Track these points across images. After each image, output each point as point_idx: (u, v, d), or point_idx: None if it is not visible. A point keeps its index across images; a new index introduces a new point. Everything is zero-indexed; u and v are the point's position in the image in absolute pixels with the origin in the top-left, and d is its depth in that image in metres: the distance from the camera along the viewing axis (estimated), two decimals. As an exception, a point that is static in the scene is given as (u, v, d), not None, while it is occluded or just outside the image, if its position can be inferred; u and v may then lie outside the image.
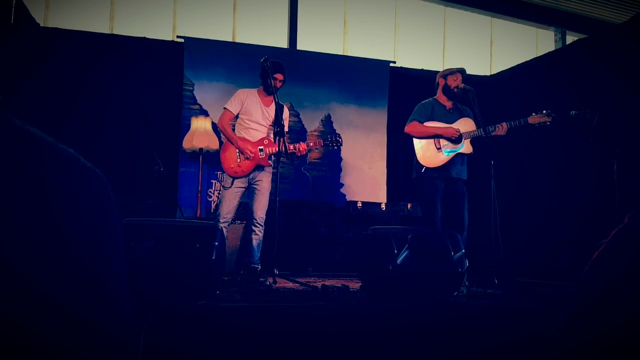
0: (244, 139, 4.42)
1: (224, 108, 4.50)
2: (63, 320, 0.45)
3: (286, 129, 4.60)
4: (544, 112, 4.28)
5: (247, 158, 4.38)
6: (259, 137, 4.47)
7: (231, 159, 4.39)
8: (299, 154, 4.46)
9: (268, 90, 4.45)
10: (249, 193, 4.51)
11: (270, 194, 4.53)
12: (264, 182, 4.47)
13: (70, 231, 0.47)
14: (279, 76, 4.42)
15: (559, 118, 4.33)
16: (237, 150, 4.39)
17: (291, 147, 4.43)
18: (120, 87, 6.53)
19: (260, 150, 4.43)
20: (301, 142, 4.53)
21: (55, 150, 0.48)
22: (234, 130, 4.57)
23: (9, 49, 5.38)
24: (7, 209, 0.42)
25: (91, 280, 0.49)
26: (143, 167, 6.08)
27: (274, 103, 4.51)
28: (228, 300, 2.92)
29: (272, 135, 4.50)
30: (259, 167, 4.45)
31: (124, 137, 6.51)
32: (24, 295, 0.43)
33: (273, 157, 4.55)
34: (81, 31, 6.60)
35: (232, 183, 4.37)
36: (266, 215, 4.55)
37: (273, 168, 4.50)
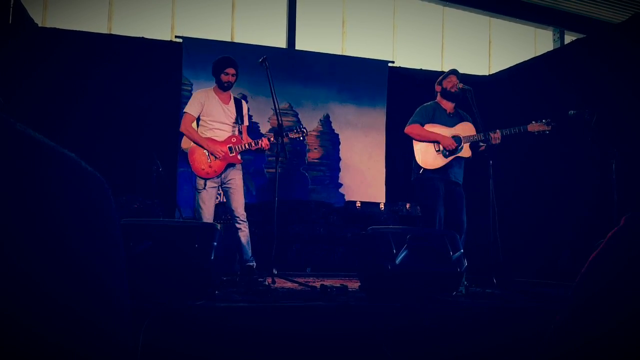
0: (212, 140, 4.34)
1: (184, 112, 4.40)
2: (62, 321, 0.45)
3: (246, 123, 4.58)
4: (544, 121, 4.28)
5: (217, 158, 4.31)
6: (225, 137, 4.40)
7: (201, 160, 4.30)
8: (265, 148, 4.40)
9: (222, 87, 4.42)
10: (224, 194, 4.45)
11: (270, 194, 4.54)
12: (237, 180, 4.40)
13: (70, 235, 0.47)
14: (231, 70, 4.38)
15: (558, 127, 4.33)
16: (206, 151, 4.31)
17: (253, 143, 4.41)
18: (118, 87, 6.53)
19: (230, 149, 4.37)
20: (263, 138, 4.46)
21: (56, 154, 0.48)
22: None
23: (7, 49, 5.37)
24: (7, 212, 0.42)
25: (90, 283, 0.49)
26: (141, 167, 6.07)
27: (232, 99, 4.50)
28: (227, 301, 2.92)
29: (237, 132, 4.47)
30: (230, 165, 4.39)
31: (123, 137, 6.51)
32: (23, 297, 0.43)
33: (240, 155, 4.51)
34: (79, 31, 6.60)
35: (205, 184, 4.29)
36: (266, 215, 4.55)
37: (271, 168, 4.50)
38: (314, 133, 7.34)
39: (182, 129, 4.37)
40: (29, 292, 0.43)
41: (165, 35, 7.49)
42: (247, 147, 4.40)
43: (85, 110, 6.35)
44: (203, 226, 3.11)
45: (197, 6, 7.81)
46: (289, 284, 3.93)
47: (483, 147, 4.34)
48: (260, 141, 4.42)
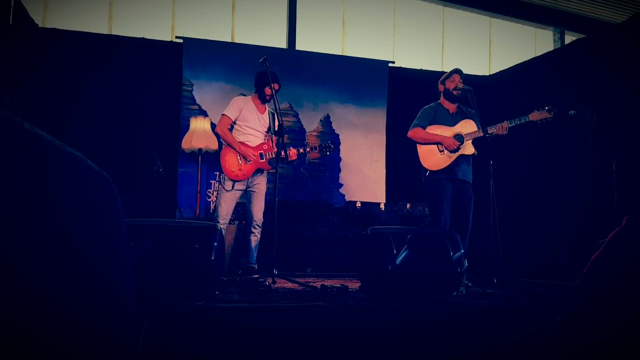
0: (244, 144, 4.52)
1: (222, 114, 4.58)
2: (67, 321, 0.45)
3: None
4: (546, 108, 4.28)
5: (248, 161, 4.47)
6: (257, 143, 4.58)
7: (233, 163, 4.47)
8: (290, 159, 4.52)
9: (263, 99, 4.60)
10: (246, 196, 4.59)
11: (270, 194, 4.62)
12: (262, 185, 4.58)
13: (76, 233, 0.48)
14: (276, 86, 4.52)
15: (560, 114, 4.33)
16: (238, 155, 4.47)
17: (282, 152, 4.51)
18: (119, 88, 6.53)
19: (261, 155, 4.54)
20: (291, 148, 4.64)
21: (63, 153, 0.48)
22: None
23: (7, 49, 5.37)
24: (15, 211, 0.42)
25: (96, 282, 0.49)
26: (142, 167, 6.07)
27: (267, 111, 4.69)
28: (227, 301, 2.92)
29: (269, 141, 4.63)
30: (259, 171, 4.55)
31: (123, 137, 6.51)
32: (29, 296, 0.43)
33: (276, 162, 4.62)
34: (80, 32, 6.60)
35: (233, 186, 4.45)
36: (266, 215, 4.60)
37: (272, 169, 4.55)
38: (314, 133, 7.34)
39: (218, 129, 4.57)
40: (32, 292, 0.43)
41: (166, 36, 7.49)
42: (275, 155, 4.50)
43: (86, 110, 6.35)
44: (203, 226, 3.11)
45: (197, 6, 7.81)
46: (289, 284, 3.93)
47: (493, 130, 4.28)
48: (287, 150, 4.51)
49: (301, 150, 4.71)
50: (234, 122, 4.58)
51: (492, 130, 4.26)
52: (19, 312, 0.42)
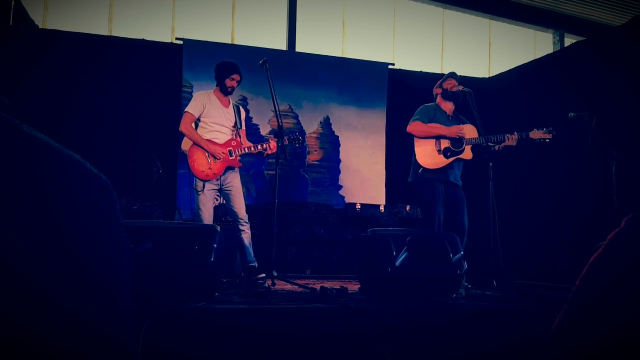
0: (212, 141, 4.34)
1: (185, 111, 4.39)
2: (66, 321, 0.45)
3: (244, 127, 4.59)
4: (545, 129, 4.31)
5: (218, 159, 4.30)
6: (225, 139, 4.41)
7: (201, 162, 4.29)
8: (272, 151, 4.40)
9: (225, 92, 4.43)
10: (224, 196, 4.46)
11: (270, 195, 4.57)
12: (236, 183, 4.40)
13: (74, 236, 0.48)
14: (237, 77, 4.39)
15: (558, 130, 4.36)
16: (207, 153, 4.30)
17: (259, 146, 4.44)
18: (118, 89, 6.53)
19: (230, 152, 4.37)
20: (271, 141, 4.45)
21: (62, 156, 0.48)
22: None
23: (7, 50, 5.38)
24: (14, 213, 0.43)
25: (95, 284, 0.49)
26: (142, 169, 6.07)
27: (231, 104, 4.52)
28: (227, 302, 2.92)
29: (236, 136, 4.48)
30: (230, 168, 4.38)
31: (123, 138, 6.51)
32: (29, 297, 0.43)
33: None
34: (80, 33, 6.60)
35: (204, 186, 4.28)
36: (266, 217, 4.56)
37: (271, 170, 4.51)
38: (314, 135, 7.34)
39: (182, 128, 4.34)
40: (32, 293, 0.43)
41: (166, 37, 7.50)
42: (247, 150, 4.42)
43: (86, 111, 6.35)
44: (203, 228, 3.11)
45: (197, 8, 7.82)
46: (288, 286, 3.93)
47: (498, 147, 4.35)
48: (266, 144, 4.43)
49: (271, 142, 4.48)
50: (198, 120, 4.39)
51: (500, 138, 4.30)
52: (19, 313, 0.42)
